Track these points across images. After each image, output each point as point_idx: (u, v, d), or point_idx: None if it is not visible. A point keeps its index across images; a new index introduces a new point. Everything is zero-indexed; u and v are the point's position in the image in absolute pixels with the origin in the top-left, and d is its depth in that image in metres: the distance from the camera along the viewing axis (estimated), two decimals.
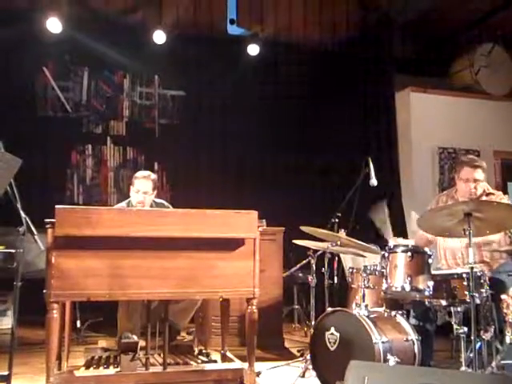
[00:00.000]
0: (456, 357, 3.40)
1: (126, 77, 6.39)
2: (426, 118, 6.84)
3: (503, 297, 2.97)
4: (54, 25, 5.68)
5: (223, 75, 6.35)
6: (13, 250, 2.77)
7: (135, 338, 3.26)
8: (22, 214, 2.76)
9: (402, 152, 6.92)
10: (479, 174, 3.61)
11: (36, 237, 2.80)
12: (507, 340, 2.89)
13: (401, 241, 3.72)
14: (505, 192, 4.72)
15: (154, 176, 4.07)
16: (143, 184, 3.96)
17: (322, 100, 6.69)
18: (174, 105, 6.50)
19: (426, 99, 6.93)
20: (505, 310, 2.93)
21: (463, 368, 2.91)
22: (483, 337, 3.01)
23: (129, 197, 4.08)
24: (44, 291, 2.83)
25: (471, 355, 2.84)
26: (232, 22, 6.69)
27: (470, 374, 2.69)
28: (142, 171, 4.13)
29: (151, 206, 4.04)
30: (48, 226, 2.81)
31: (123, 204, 4.09)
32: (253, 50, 6.37)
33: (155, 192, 4.05)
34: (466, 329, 2.96)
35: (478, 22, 6.93)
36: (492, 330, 3.05)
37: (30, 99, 5.99)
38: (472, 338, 2.79)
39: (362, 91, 6.73)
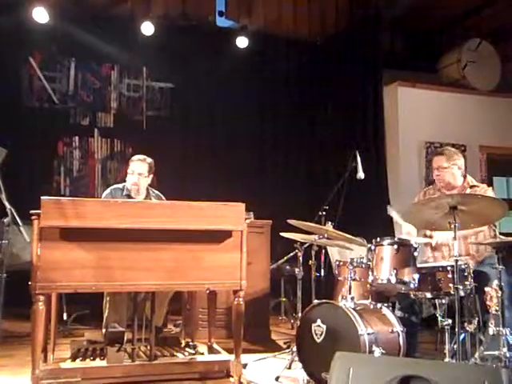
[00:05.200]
0: (440, 348, 3.44)
1: (113, 68, 6.33)
2: (413, 112, 6.87)
3: (487, 289, 3.00)
4: (40, 14, 5.61)
5: (211, 67, 6.31)
6: None
7: (121, 328, 3.26)
8: (7, 205, 2.74)
9: (390, 146, 6.94)
10: (441, 160, 3.64)
11: (21, 228, 2.77)
12: (490, 331, 2.93)
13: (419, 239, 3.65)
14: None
15: (150, 160, 4.08)
16: (138, 165, 3.99)
17: (310, 93, 6.71)
18: (162, 97, 6.47)
19: (413, 94, 6.96)
20: (488, 302, 2.96)
21: (447, 359, 2.94)
22: (467, 328, 3.05)
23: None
24: (30, 283, 2.81)
25: (455, 347, 2.87)
26: (221, 14, 6.66)
27: (454, 364, 2.73)
28: (138, 155, 4.12)
29: (147, 195, 4.05)
30: (34, 217, 2.80)
31: (119, 186, 4.07)
32: (241, 42, 6.35)
33: (151, 176, 4.05)
34: (450, 321, 3.00)
35: (466, 16, 6.97)
36: (476, 321, 3.09)
37: (16, 89, 5.91)
38: (456, 329, 2.82)
39: (350, 85, 6.73)
